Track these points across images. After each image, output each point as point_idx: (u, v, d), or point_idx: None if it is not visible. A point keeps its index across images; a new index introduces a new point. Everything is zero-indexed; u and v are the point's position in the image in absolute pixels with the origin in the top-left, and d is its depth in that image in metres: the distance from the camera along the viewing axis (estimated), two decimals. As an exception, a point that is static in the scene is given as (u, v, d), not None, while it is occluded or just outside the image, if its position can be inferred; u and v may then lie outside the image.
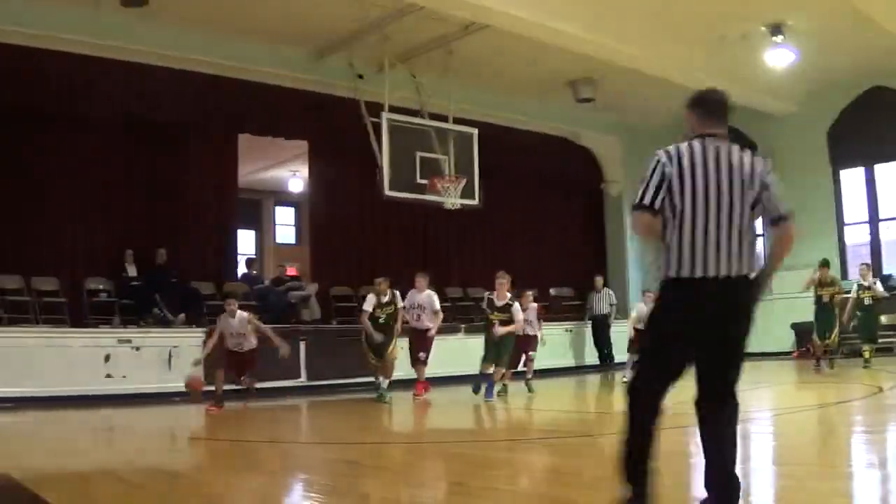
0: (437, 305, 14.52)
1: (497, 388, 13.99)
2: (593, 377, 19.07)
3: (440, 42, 16.76)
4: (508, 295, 13.85)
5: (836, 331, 16.37)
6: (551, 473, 6.75)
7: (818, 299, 16.52)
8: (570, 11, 15.44)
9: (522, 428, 10.82)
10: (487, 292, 14.12)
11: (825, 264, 16.73)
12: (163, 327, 15.41)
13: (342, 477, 6.90)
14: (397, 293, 14.08)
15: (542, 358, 16.29)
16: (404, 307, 14.29)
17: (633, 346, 15.63)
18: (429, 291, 14.60)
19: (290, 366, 15.58)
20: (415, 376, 14.63)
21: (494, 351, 13.77)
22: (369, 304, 13.83)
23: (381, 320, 13.76)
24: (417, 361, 14.50)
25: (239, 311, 12.54)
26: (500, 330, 13.65)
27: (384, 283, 14.01)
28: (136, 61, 15.89)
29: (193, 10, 15.34)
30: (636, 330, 15.70)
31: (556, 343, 19.66)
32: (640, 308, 16.16)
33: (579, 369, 20.74)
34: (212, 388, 12.46)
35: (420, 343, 14.50)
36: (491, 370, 13.74)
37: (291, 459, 8.20)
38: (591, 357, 21.08)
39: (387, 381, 13.82)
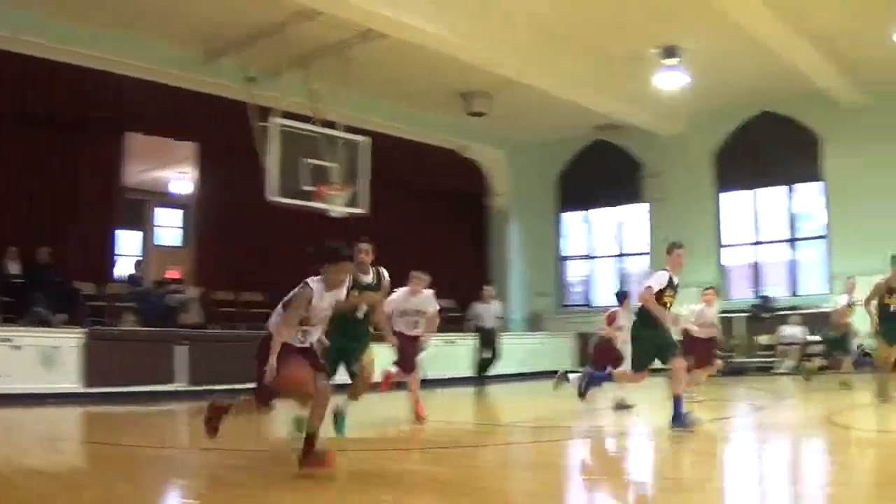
0: (437, 306, 11.54)
1: None
2: (467, 389, 18.87)
3: (337, 49, 16.74)
4: None
5: None
6: (439, 483, 6.78)
7: (884, 310, 12.76)
8: (463, 24, 15.66)
9: (417, 438, 10.71)
10: (659, 271, 9.89)
11: None
12: (43, 327, 15.05)
13: (220, 483, 6.85)
14: (384, 272, 9.56)
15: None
16: (401, 312, 11.19)
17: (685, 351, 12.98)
18: (428, 292, 11.42)
19: (163, 369, 15.34)
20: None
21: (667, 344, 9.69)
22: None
23: (356, 315, 9.12)
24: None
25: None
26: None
27: (368, 251, 9.34)
28: (24, 53, 15.60)
29: (84, 4, 15.10)
30: (688, 334, 13.35)
31: (441, 354, 19.79)
32: (701, 310, 13.64)
33: (454, 381, 19.75)
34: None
35: (416, 349, 11.37)
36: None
37: (170, 465, 8.10)
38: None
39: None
